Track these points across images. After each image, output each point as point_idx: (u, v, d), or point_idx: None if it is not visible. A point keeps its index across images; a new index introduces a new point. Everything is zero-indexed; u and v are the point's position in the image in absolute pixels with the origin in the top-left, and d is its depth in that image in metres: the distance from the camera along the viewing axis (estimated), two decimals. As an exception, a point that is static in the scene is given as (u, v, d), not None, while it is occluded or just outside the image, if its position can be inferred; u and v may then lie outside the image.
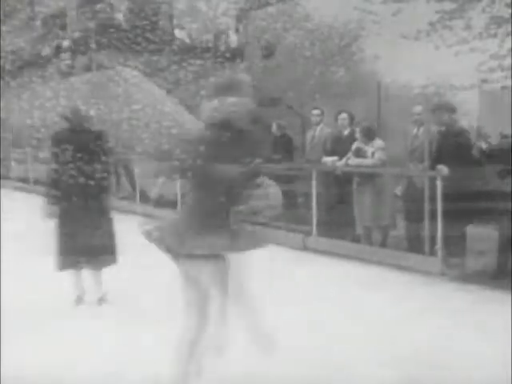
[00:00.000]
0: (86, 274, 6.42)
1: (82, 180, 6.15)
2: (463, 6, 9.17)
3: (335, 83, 14.54)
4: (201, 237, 3.61)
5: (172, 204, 12.00)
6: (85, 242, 6.12)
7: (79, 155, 6.16)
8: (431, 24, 9.29)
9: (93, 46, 17.61)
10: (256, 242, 3.86)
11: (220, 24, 18.45)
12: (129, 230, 4.80)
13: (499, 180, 7.26)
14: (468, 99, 10.45)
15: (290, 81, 15.17)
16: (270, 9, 16.58)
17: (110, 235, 6.42)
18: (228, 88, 3.72)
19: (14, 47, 20.32)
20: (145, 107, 14.76)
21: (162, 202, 12.23)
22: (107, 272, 6.40)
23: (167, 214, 9.93)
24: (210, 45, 17.89)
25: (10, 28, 19.50)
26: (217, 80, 3.85)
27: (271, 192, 3.83)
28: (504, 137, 8.64)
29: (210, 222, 3.64)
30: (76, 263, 6.27)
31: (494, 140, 8.58)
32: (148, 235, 3.78)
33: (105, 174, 6.31)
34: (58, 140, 6.32)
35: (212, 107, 3.70)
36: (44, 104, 16.23)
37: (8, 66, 20.02)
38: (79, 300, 6.35)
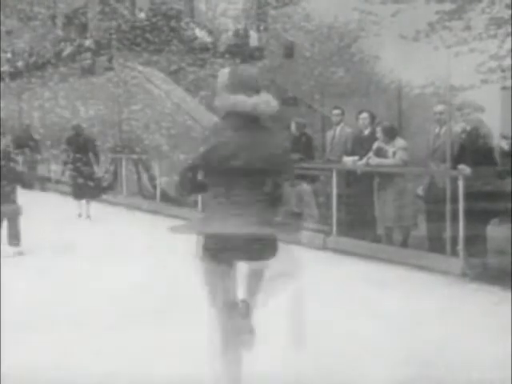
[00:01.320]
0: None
1: None
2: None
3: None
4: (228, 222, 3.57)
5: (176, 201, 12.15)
6: None
7: None
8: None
9: (114, 46, 17.70)
10: (289, 230, 3.86)
11: (239, 23, 18.50)
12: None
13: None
14: (489, 98, 10.39)
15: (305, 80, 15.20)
16: (288, 8, 16.61)
17: None
18: (249, 84, 3.71)
19: (37, 47, 20.48)
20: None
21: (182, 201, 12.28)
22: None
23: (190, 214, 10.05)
24: (231, 44, 17.91)
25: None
26: (234, 74, 3.80)
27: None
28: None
29: (240, 211, 3.60)
30: None
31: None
32: (175, 229, 3.78)
33: None
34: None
35: (235, 101, 3.67)
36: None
37: (22, 66, 20.18)
38: None
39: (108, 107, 16.61)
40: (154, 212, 12.90)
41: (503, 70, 8.92)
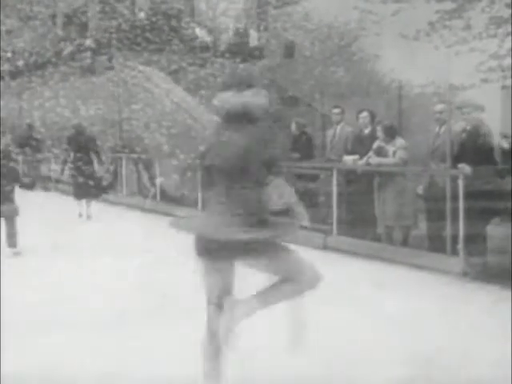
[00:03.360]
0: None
1: None
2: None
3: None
4: (235, 225, 3.56)
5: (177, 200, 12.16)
6: None
7: None
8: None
9: (114, 45, 17.70)
10: (287, 230, 3.86)
11: (239, 23, 18.50)
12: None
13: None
14: (489, 98, 10.38)
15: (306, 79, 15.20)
16: (288, 8, 16.62)
17: None
18: (243, 80, 3.72)
19: (37, 47, 20.47)
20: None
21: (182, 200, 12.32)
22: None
23: (190, 213, 10.05)
24: (231, 42, 17.91)
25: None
26: (231, 72, 3.85)
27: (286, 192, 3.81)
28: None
29: (239, 211, 3.59)
30: None
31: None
32: (176, 224, 3.77)
33: None
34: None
35: (227, 97, 3.68)
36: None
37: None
38: None
39: (108, 106, 16.61)
40: (154, 211, 12.90)
41: (503, 70, 8.93)
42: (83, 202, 12.64)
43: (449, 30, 9.15)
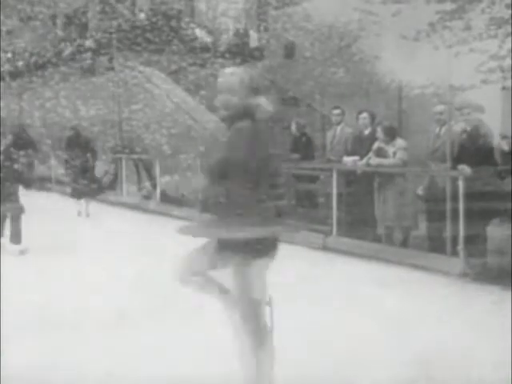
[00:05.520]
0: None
1: None
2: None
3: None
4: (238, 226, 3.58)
5: (177, 201, 12.16)
6: None
7: None
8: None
9: (114, 45, 17.71)
10: (289, 228, 3.87)
11: (239, 23, 18.51)
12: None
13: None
14: (489, 98, 10.38)
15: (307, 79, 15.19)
16: (288, 9, 16.62)
17: None
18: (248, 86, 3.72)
19: (37, 47, 20.49)
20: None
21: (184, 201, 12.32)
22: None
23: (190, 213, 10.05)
24: (232, 44, 17.92)
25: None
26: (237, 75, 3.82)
27: None
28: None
29: (242, 212, 3.60)
30: None
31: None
32: (183, 230, 3.78)
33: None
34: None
35: (225, 98, 3.69)
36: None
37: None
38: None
39: (108, 107, 16.62)
40: (154, 212, 12.91)
41: (503, 70, 8.93)
42: (82, 201, 12.67)
43: (449, 30, 9.15)
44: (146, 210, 13.37)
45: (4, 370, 4.37)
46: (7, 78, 20.82)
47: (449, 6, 9.23)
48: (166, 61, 17.12)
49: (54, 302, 6.20)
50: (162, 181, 13.71)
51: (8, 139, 9.70)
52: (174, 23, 18.05)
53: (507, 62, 8.81)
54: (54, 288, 6.72)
